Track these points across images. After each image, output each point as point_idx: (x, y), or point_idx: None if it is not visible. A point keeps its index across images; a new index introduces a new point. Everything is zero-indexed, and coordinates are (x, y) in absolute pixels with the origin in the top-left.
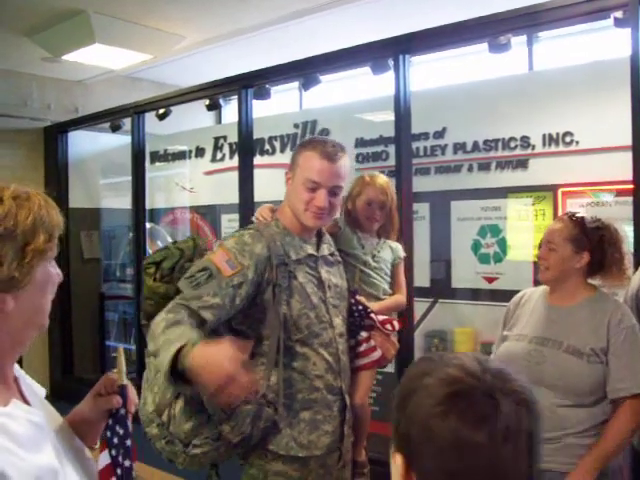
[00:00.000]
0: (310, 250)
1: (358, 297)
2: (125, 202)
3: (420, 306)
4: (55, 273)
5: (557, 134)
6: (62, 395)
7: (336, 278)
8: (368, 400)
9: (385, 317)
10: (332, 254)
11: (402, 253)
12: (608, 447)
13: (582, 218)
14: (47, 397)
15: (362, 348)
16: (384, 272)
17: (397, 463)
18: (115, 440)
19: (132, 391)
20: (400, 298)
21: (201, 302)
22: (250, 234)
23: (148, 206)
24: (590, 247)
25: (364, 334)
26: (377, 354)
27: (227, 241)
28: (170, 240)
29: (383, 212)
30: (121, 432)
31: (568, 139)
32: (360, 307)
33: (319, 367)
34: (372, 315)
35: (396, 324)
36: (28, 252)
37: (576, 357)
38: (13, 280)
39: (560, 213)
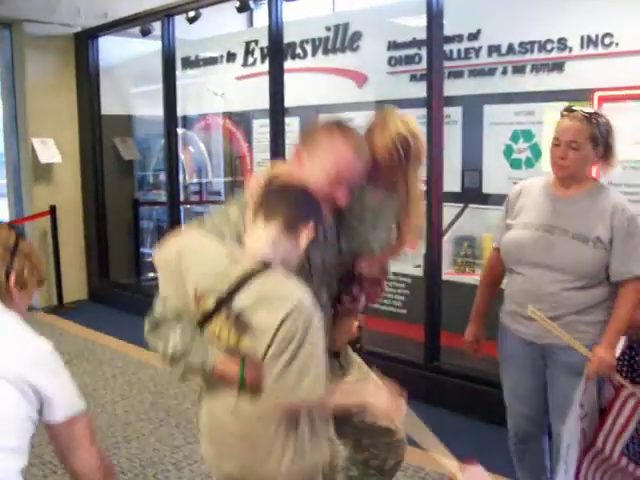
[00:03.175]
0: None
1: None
2: (157, 110)
3: (450, 211)
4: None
5: (596, 35)
6: (99, 298)
7: (329, 255)
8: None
9: (377, 278)
10: (325, 234)
11: None
12: (621, 322)
13: (597, 115)
14: (85, 301)
15: (346, 301)
16: (383, 222)
17: None
18: None
19: None
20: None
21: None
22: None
23: (180, 113)
24: (602, 142)
25: (354, 289)
26: (359, 305)
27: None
28: (203, 146)
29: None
30: None
31: (607, 41)
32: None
33: None
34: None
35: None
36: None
37: (582, 242)
38: (23, 279)
39: None
